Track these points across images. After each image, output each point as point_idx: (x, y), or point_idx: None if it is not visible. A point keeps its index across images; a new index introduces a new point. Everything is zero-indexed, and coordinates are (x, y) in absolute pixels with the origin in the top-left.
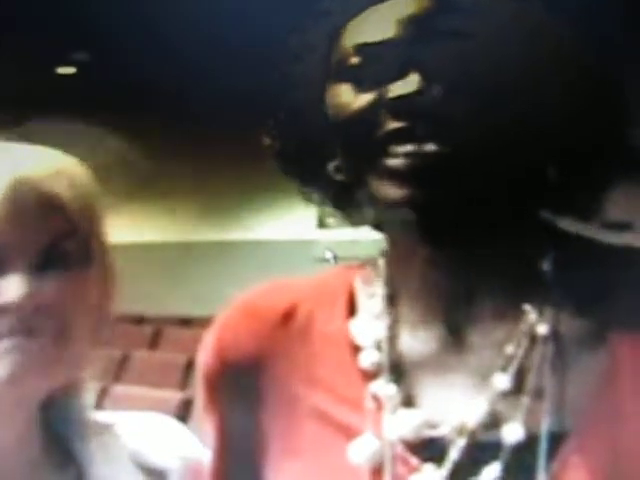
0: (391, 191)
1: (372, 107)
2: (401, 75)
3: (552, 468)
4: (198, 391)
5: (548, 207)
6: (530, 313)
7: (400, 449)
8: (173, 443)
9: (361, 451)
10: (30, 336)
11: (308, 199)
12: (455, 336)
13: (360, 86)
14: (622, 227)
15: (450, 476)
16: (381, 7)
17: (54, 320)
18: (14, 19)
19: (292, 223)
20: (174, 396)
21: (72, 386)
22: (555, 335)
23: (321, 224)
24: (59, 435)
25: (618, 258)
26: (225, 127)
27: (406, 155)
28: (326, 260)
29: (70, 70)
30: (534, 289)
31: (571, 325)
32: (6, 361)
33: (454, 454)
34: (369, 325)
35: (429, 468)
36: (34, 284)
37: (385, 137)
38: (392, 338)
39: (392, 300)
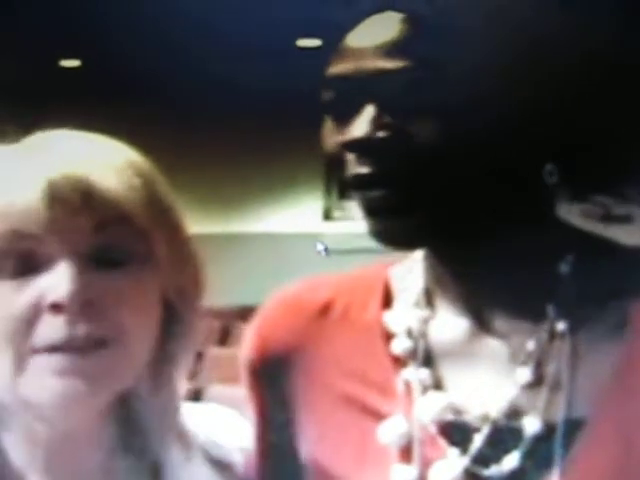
0: (367, 222)
1: (339, 148)
2: (359, 111)
3: (569, 457)
4: (242, 380)
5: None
6: (549, 310)
7: (428, 431)
8: (234, 435)
9: (390, 432)
10: (83, 353)
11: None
12: (483, 328)
13: (334, 121)
14: (622, 220)
15: (473, 462)
16: (358, 30)
17: (108, 322)
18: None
19: (298, 216)
20: (183, 386)
21: (152, 379)
22: (572, 331)
23: (327, 217)
24: (137, 425)
25: (633, 258)
26: (228, 119)
27: (368, 197)
28: (318, 252)
29: (74, 63)
30: (554, 287)
31: (588, 322)
32: (57, 382)
33: (477, 441)
34: (403, 315)
35: (454, 453)
36: (84, 278)
37: (352, 181)
38: (424, 326)
39: (427, 293)
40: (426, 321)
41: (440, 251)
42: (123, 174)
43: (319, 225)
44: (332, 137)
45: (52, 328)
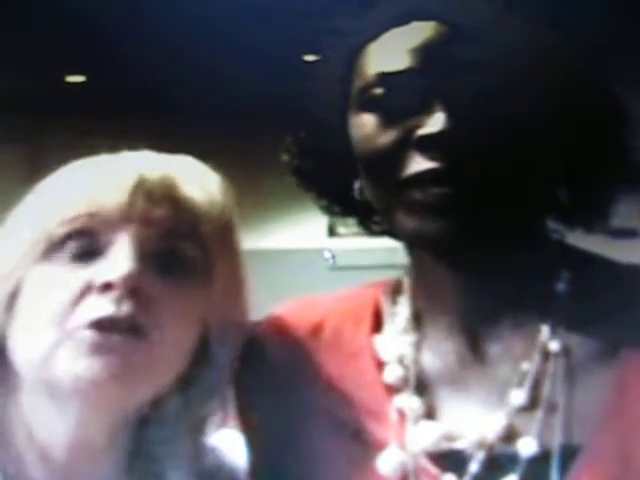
0: (414, 223)
1: (398, 145)
2: (425, 108)
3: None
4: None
5: (560, 223)
6: (543, 330)
7: (423, 461)
8: (241, 456)
9: (388, 462)
10: (123, 335)
11: (325, 210)
12: (475, 352)
13: (384, 118)
14: (627, 234)
15: None
16: (400, 32)
17: (150, 315)
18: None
19: (302, 231)
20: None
21: (171, 403)
22: (566, 351)
23: (331, 232)
24: (151, 450)
25: (629, 276)
26: (231, 135)
27: (433, 193)
28: (325, 260)
29: (79, 78)
30: (549, 308)
31: (583, 342)
32: (91, 359)
33: (473, 467)
34: (393, 341)
35: None
36: (139, 268)
37: (412, 177)
38: (415, 354)
39: (416, 317)
40: (417, 347)
41: (464, 260)
42: (207, 190)
43: (324, 241)
44: (384, 134)
45: (97, 306)
